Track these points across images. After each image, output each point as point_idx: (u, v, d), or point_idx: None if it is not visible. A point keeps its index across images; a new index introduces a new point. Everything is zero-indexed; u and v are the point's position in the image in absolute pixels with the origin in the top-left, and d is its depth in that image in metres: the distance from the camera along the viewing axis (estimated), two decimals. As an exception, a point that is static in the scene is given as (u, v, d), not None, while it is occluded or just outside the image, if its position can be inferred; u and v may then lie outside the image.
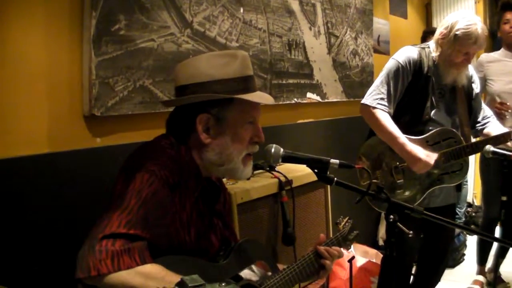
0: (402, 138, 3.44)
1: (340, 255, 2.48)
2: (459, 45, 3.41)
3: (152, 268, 1.81)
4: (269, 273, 2.29)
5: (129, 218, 1.82)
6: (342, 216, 2.70)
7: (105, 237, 1.77)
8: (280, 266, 2.42)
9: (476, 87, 3.79)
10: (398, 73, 3.50)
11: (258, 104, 2.17)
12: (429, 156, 3.43)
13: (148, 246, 1.86)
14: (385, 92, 3.49)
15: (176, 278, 1.76)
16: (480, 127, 3.82)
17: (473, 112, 3.77)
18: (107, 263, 1.73)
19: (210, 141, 2.11)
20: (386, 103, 3.48)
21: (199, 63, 2.14)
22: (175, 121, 2.20)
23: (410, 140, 3.48)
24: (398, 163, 3.56)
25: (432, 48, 3.58)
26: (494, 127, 3.74)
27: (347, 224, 2.64)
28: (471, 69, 3.75)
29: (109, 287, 1.75)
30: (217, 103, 2.09)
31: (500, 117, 4.53)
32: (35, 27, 2.50)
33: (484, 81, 4.77)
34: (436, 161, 3.46)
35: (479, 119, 3.83)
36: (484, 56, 4.90)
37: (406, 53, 3.55)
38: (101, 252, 1.74)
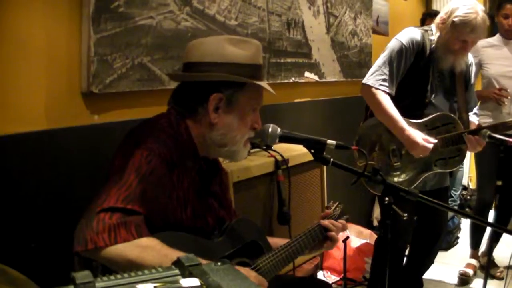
0: (402, 122, 3.44)
1: (345, 228, 2.59)
2: (456, 32, 3.40)
3: (148, 241, 1.83)
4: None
5: (127, 193, 1.85)
6: (332, 201, 2.72)
7: (102, 211, 1.79)
8: (281, 241, 2.46)
9: (472, 77, 3.80)
10: (401, 53, 3.49)
11: (262, 91, 2.22)
12: (428, 141, 3.44)
13: (145, 221, 1.88)
14: (388, 72, 3.48)
15: (172, 252, 1.79)
16: None
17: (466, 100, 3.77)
18: (104, 237, 1.76)
19: (217, 121, 2.14)
20: (388, 84, 3.47)
21: (216, 44, 2.17)
22: (184, 95, 2.21)
23: (410, 123, 3.48)
24: (395, 146, 3.57)
25: (433, 31, 3.57)
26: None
27: (337, 208, 2.67)
28: (470, 58, 3.75)
29: (106, 260, 1.78)
30: (231, 85, 2.12)
31: (499, 103, 4.56)
32: (34, 4, 2.49)
33: (479, 66, 4.80)
34: (435, 145, 3.47)
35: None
36: (480, 41, 4.90)
37: (409, 34, 3.54)
38: (98, 225, 1.76)
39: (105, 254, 1.77)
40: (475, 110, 3.86)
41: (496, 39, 4.88)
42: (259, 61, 2.22)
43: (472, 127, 3.62)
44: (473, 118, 3.79)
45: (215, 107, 2.12)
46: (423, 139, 3.43)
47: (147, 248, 1.81)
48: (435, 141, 3.47)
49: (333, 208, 2.66)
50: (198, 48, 2.18)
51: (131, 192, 1.86)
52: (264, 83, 2.20)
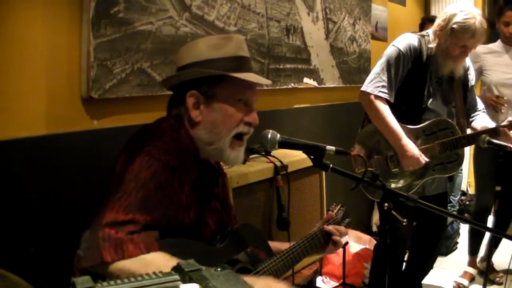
0: (399, 131, 3.45)
1: (346, 233, 2.59)
2: (456, 38, 3.40)
3: (156, 257, 1.81)
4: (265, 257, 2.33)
5: (128, 201, 1.84)
6: (334, 204, 2.73)
7: (107, 225, 1.78)
8: (282, 245, 2.46)
9: (472, 79, 3.80)
10: (398, 60, 3.49)
11: (251, 84, 2.17)
12: (422, 156, 3.45)
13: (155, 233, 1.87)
14: (386, 79, 3.49)
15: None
16: (470, 120, 3.83)
17: (467, 104, 3.78)
18: (111, 252, 1.75)
19: (201, 119, 2.13)
20: (387, 91, 3.48)
21: (196, 45, 2.19)
22: (172, 101, 2.24)
23: (407, 129, 3.49)
24: (393, 152, 3.57)
25: (430, 37, 3.57)
26: (481, 121, 3.74)
27: (339, 211, 2.67)
28: (467, 61, 3.75)
29: (113, 275, 1.76)
30: (207, 81, 2.11)
31: (496, 110, 4.57)
32: (34, 9, 2.49)
33: (479, 72, 4.79)
34: (426, 163, 3.48)
35: (471, 112, 3.84)
36: (481, 48, 4.88)
37: (406, 40, 3.54)
38: (105, 240, 1.75)
39: (112, 270, 1.75)
40: (482, 109, 3.86)
41: (498, 45, 4.87)
42: (240, 53, 2.19)
43: (487, 126, 3.61)
44: (484, 117, 3.80)
45: (194, 105, 2.12)
46: (418, 153, 3.44)
47: (154, 263, 1.78)
48: (427, 160, 3.48)
49: (335, 211, 2.66)
50: (183, 52, 2.22)
51: (133, 200, 1.85)
52: (246, 74, 2.15)
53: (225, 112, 2.14)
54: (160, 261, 1.80)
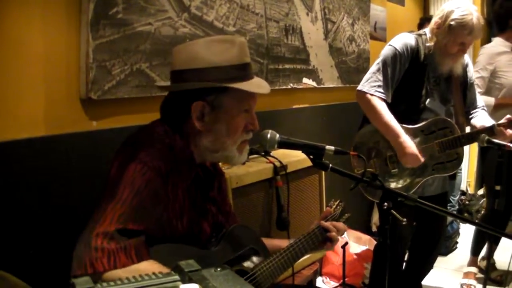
0: (397, 128, 3.44)
1: (345, 229, 2.58)
2: (454, 36, 3.40)
3: (147, 265, 1.81)
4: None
5: (122, 210, 1.84)
6: (333, 199, 2.72)
7: (100, 234, 1.78)
8: (280, 242, 2.46)
9: (471, 76, 3.79)
10: (395, 59, 3.49)
11: (254, 92, 2.16)
12: (420, 154, 3.45)
13: (145, 241, 1.88)
14: (382, 79, 3.48)
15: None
16: (469, 117, 3.82)
17: (467, 101, 3.77)
18: (103, 262, 1.75)
19: (204, 129, 2.11)
20: (383, 90, 3.47)
21: (197, 48, 2.12)
22: (170, 107, 2.19)
23: (406, 129, 3.48)
24: (393, 152, 3.56)
25: (428, 36, 3.57)
26: (480, 119, 3.74)
27: (338, 207, 2.66)
28: (466, 58, 3.74)
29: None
30: (213, 91, 2.08)
31: None
32: (33, 10, 2.49)
33: (494, 73, 4.71)
34: (425, 161, 3.47)
35: (470, 109, 3.83)
36: (493, 48, 4.80)
37: (403, 40, 3.54)
38: (97, 250, 1.75)
39: (105, 279, 1.75)
40: (482, 106, 3.85)
41: (500, 43, 4.78)
42: (245, 59, 2.16)
43: (486, 124, 3.60)
44: (483, 114, 3.79)
45: (199, 115, 2.09)
46: (417, 151, 3.44)
47: (146, 272, 1.79)
48: (423, 159, 3.47)
49: (334, 206, 2.66)
50: (181, 54, 2.15)
51: (126, 209, 1.85)
52: (251, 83, 2.14)
53: (230, 124, 2.13)
54: (153, 271, 1.81)
